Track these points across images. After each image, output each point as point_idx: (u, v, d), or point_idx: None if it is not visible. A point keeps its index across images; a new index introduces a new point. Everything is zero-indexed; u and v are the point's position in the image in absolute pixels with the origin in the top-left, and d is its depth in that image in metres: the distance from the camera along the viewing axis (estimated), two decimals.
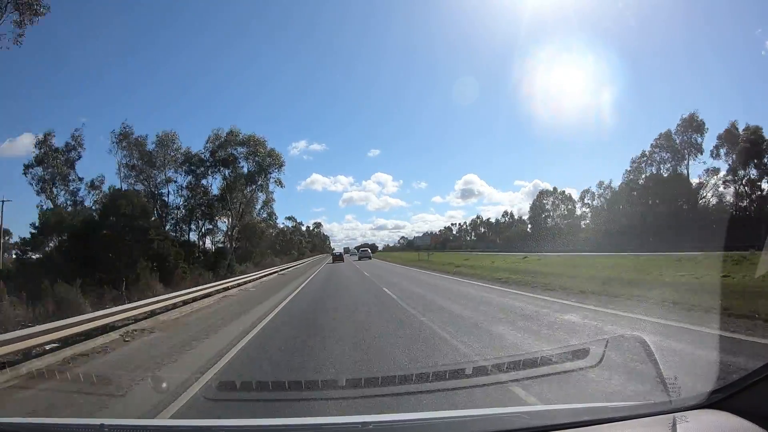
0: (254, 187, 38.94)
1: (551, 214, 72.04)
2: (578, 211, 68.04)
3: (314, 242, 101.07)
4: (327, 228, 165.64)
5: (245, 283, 22.91)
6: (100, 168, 68.30)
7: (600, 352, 4.64)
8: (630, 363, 4.90)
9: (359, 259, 48.28)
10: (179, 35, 76.59)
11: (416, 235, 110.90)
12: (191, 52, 77.51)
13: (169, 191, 37.89)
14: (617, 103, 76.87)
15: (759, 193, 46.85)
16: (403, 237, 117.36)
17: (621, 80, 75.94)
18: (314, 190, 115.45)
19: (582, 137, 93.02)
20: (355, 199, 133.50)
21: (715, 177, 49.24)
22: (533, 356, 5.51)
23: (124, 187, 34.84)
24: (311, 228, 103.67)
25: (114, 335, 9.00)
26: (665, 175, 51.32)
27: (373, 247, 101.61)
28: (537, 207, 73.52)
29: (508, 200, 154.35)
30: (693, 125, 49.15)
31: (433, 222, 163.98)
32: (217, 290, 17.85)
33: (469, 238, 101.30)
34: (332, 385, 4.82)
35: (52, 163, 33.45)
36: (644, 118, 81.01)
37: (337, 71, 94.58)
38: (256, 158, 37.54)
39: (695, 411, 2.03)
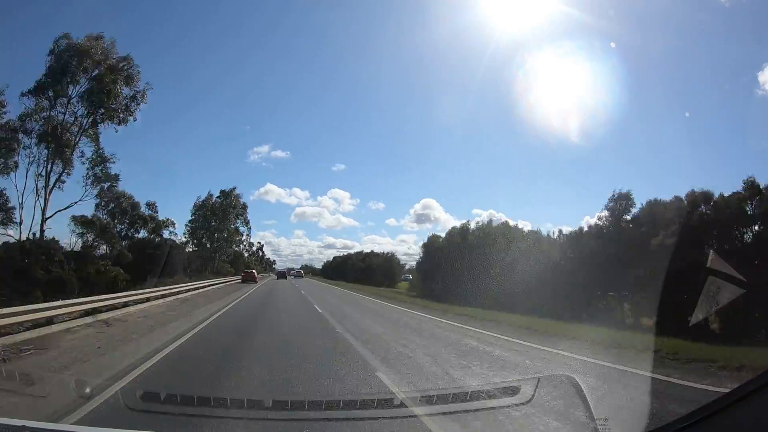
0: None
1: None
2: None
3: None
4: (275, 243, 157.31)
5: None
6: None
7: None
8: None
9: (294, 278, 67.51)
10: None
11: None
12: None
13: None
14: (576, 149, 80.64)
15: None
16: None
17: (582, 122, 79.31)
18: (267, 201, 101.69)
19: (542, 173, 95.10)
20: (308, 215, 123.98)
21: None
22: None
23: None
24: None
25: None
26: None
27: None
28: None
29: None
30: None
31: (383, 245, 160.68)
32: None
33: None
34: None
35: None
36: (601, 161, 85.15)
37: (319, 76, 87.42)
38: None
39: None
